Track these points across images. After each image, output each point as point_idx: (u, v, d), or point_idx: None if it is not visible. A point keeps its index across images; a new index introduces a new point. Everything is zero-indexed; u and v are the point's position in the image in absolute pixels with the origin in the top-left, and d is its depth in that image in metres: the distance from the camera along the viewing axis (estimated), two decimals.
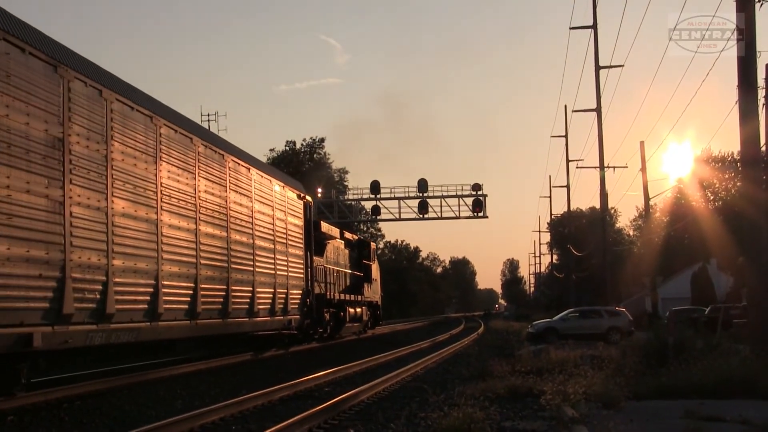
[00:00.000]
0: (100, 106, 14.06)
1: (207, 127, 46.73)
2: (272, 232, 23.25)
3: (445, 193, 64.25)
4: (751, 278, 19.25)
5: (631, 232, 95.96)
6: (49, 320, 12.19)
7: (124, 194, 14.63)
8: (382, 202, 64.53)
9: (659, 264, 51.94)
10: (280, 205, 24.26)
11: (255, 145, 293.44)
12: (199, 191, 18.11)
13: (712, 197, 62.33)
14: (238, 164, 21.00)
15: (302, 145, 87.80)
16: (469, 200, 63.98)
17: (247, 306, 20.68)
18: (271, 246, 23.05)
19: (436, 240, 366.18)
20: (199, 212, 17.96)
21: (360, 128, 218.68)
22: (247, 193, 21.38)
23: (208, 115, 65.01)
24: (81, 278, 13.03)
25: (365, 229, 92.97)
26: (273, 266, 23.05)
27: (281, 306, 23.51)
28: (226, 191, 19.82)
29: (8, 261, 11.22)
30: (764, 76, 23.76)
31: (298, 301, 25.49)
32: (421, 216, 64.54)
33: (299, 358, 24.55)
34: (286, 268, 24.24)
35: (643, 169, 39.94)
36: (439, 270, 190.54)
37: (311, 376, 16.74)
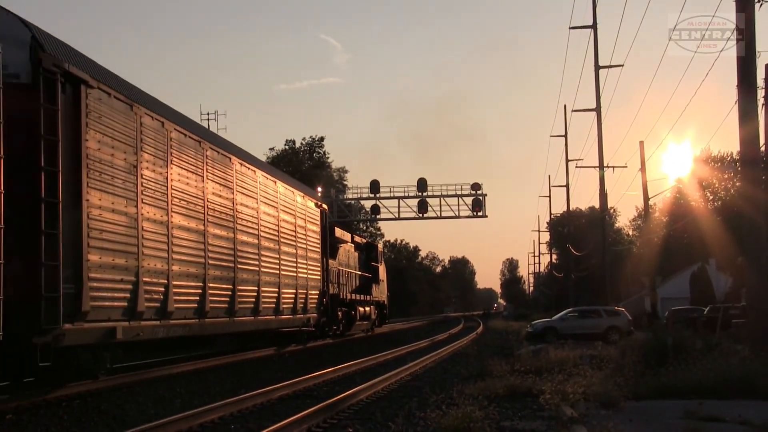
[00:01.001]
0: (163, 135, 16.63)
1: (207, 126, 46.73)
2: (294, 239, 25.76)
3: (444, 193, 64.30)
4: (750, 278, 19.24)
5: (631, 232, 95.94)
6: (126, 317, 14.71)
7: (179, 209, 17.09)
8: (381, 201, 64.56)
9: (658, 264, 51.91)
10: (301, 214, 26.86)
11: (255, 144, 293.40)
12: (236, 204, 20.67)
13: (711, 197, 62.32)
14: (267, 178, 23.66)
15: (302, 144, 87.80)
16: (469, 200, 64.03)
17: (273, 305, 23.07)
18: (294, 251, 25.49)
19: (436, 239, 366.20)
20: (236, 223, 20.53)
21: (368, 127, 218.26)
22: (273, 204, 23.96)
23: (208, 114, 64.92)
24: (149, 281, 15.47)
25: (364, 228, 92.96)
26: (295, 270, 25.47)
27: (302, 305, 25.98)
28: (257, 203, 22.41)
29: (99, 268, 13.75)
30: (764, 76, 23.78)
31: (316, 300, 28.12)
32: (420, 215, 64.58)
33: (310, 355, 24.84)
34: (306, 271, 26.75)
35: (643, 169, 39.91)
36: (438, 269, 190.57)
37: (311, 375, 16.74)
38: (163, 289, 16.10)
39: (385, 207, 64.84)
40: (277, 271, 23.53)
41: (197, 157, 18.37)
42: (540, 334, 34.70)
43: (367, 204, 67.60)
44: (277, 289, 23.32)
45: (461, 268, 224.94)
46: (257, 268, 21.75)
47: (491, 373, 16.76)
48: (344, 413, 12.17)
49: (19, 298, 11.61)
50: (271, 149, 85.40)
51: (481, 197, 63.95)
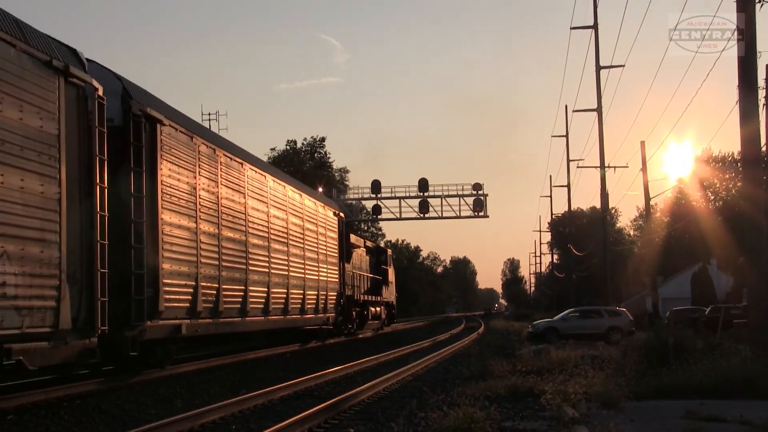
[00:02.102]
0: (214, 161, 19.42)
1: (208, 126, 46.69)
2: (316, 245, 28.66)
3: (445, 193, 64.29)
4: (751, 278, 19.24)
5: (632, 232, 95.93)
6: (188, 316, 17.45)
7: (227, 224, 19.84)
8: (382, 201, 64.54)
9: (660, 264, 51.92)
10: (322, 223, 29.90)
11: (256, 144, 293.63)
12: (270, 216, 23.49)
13: (712, 197, 62.30)
14: (293, 192, 26.44)
15: (303, 144, 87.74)
16: (470, 200, 64.00)
17: (299, 306, 25.89)
18: (316, 256, 28.43)
19: (437, 239, 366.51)
20: (270, 233, 23.22)
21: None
22: (299, 215, 26.71)
23: (209, 114, 64.97)
24: (205, 286, 18.27)
25: (366, 228, 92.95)
26: (317, 273, 28.37)
27: (322, 306, 28.98)
28: (285, 215, 25.14)
29: (170, 275, 16.49)
30: (764, 77, 23.76)
31: (334, 301, 31.07)
32: (421, 215, 64.55)
33: (312, 354, 24.81)
34: (326, 275, 29.73)
35: (644, 169, 39.95)
36: (439, 269, 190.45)
37: (312, 375, 16.75)
38: (215, 292, 18.85)
39: (387, 207, 64.81)
40: (303, 275, 26.40)
41: (240, 178, 21.17)
42: (541, 334, 34.68)
43: (369, 204, 67.61)
44: (302, 292, 26.17)
45: (462, 268, 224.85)
46: (286, 272, 24.58)
47: (492, 373, 16.76)
48: (346, 413, 12.18)
49: (115, 300, 13.92)
50: (272, 149, 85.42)
51: (482, 197, 63.94)
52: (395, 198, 64.58)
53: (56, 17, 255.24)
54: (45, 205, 11.75)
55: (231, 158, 20.62)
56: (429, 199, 64.06)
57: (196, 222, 17.83)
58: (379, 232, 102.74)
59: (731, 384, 13.47)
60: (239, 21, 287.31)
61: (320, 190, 59.33)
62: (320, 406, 11.72)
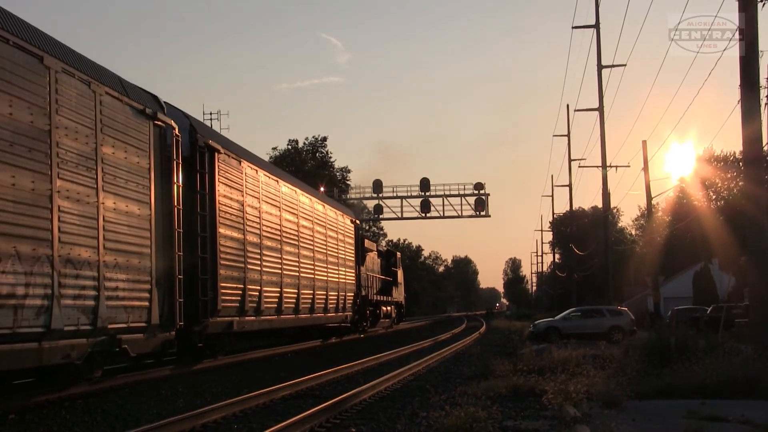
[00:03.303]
0: (256, 180, 22.27)
1: (210, 125, 46.65)
2: (336, 250, 31.70)
3: (447, 192, 64.31)
4: (753, 278, 19.23)
5: (634, 232, 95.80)
6: (238, 314, 20.27)
7: (266, 234, 22.80)
8: (384, 201, 64.58)
9: (661, 263, 51.82)
10: (342, 231, 33.03)
11: (257, 143, 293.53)
12: (300, 227, 26.44)
13: (714, 197, 62.20)
14: (317, 203, 29.53)
15: (304, 143, 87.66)
16: (472, 199, 64.05)
17: (323, 305, 28.91)
18: (336, 260, 31.56)
19: (439, 239, 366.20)
20: (299, 241, 26.32)
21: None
22: (323, 224, 29.79)
23: (210, 113, 65.10)
24: (251, 288, 21.09)
25: (367, 228, 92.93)
26: (337, 276, 31.53)
27: (342, 305, 32.04)
28: (312, 224, 28.12)
29: (225, 279, 19.31)
30: (766, 76, 23.77)
31: (352, 301, 34.24)
32: (423, 215, 64.58)
33: (314, 354, 24.81)
34: (345, 277, 32.84)
35: (646, 169, 39.87)
36: (441, 269, 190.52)
37: (314, 375, 16.74)
38: (257, 293, 21.63)
39: (388, 207, 64.87)
40: (326, 278, 29.52)
41: (276, 194, 24.27)
42: (543, 333, 34.67)
43: (370, 203, 67.61)
44: (325, 293, 29.16)
45: (464, 268, 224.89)
46: (312, 276, 27.53)
47: (494, 372, 16.75)
48: (347, 413, 12.18)
49: (186, 300, 16.82)
50: (274, 149, 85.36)
51: (483, 197, 63.99)
52: (397, 198, 64.61)
53: (60, 15, 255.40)
54: (141, 225, 14.94)
55: (269, 176, 23.68)
56: (430, 199, 64.08)
57: (243, 233, 20.77)
58: (381, 232, 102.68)
59: (733, 384, 13.47)
60: (241, 21, 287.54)
61: (322, 189, 59.45)
62: (321, 406, 11.73)
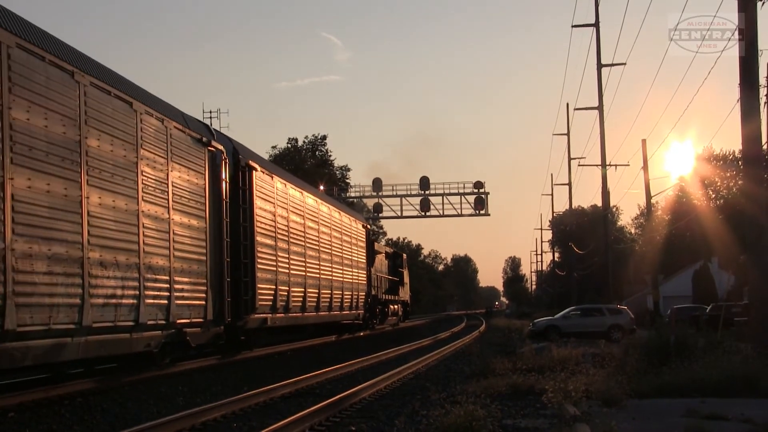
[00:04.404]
0: (285, 193, 24.76)
1: (209, 124, 46.58)
2: (351, 253, 34.35)
3: (447, 191, 64.32)
4: (752, 276, 19.23)
5: (633, 230, 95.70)
6: (271, 312, 22.64)
7: (293, 240, 25.23)
8: (384, 199, 64.60)
9: (661, 262, 51.81)
10: (355, 235, 35.71)
11: (257, 142, 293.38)
12: (320, 234, 29.03)
13: (713, 195, 62.11)
14: (335, 211, 32.26)
15: (304, 142, 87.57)
16: (471, 198, 64.06)
17: (339, 304, 31.37)
18: (351, 263, 34.13)
19: (438, 237, 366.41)
20: (320, 247, 28.74)
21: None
22: (339, 229, 32.34)
23: (210, 112, 65.05)
24: (281, 289, 23.56)
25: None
26: (351, 277, 33.94)
27: (355, 304, 34.58)
28: (330, 230, 30.79)
29: (262, 281, 21.71)
30: (766, 75, 23.73)
31: (363, 300, 36.81)
32: (423, 213, 64.61)
33: (316, 353, 24.84)
34: (357, 278, 35.36)
35: (645, 167, 39.88)
36: (440, 268, 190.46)
37: (314, 374, 16.75)
38: (286, 293, 24.04)
39: (388, 205, 64.91)
40: (341, 279, 31.98)
41: (301, 204, 26.77)
42: (542, 332, 34.67)
43: (370, 202, 67.60)
44: (341, 292, 31.71)
45: (464, 267, 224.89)
46: (330, 277, 30.03)
47: (494, 371, 16.75)
48: (347, 411, 12.18)
49: (232, 299, 19.50)
50: (274, 147, 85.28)
51: (483, 195, 64.02)
52: (396, 196, 64.63)
53: (61, 14, 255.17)
54: (200, 236, 17.83)
55: (294, 189, 26.32)
56: (430, 198, 64.10)
57: (275, 240, 23.26)
58: (380, 230, 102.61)
59: (732, 382, 13.47)
60: (240, 19, 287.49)
61: (321, 188, 59.44)
62: (321, 404, 11.73)
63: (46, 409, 12.35)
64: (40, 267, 11.79)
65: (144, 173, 15.12)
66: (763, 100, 21.32)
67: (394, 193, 64.89)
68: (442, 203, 64.35)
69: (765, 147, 21.69)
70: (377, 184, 64.48)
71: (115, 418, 11.69)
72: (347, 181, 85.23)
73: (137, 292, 14.59)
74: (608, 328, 34.15)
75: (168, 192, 16.22)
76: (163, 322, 15.77)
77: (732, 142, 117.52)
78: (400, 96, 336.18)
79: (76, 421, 11.47)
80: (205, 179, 18.31)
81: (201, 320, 17.66)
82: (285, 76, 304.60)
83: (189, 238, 17.13)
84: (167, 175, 16.27)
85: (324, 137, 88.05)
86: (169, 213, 16.17)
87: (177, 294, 16.31)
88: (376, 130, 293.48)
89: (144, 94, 16.00)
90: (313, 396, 14.13)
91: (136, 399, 13.57)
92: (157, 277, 15.49)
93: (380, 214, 67.38)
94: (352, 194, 70.51)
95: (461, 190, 64.14)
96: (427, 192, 64.09)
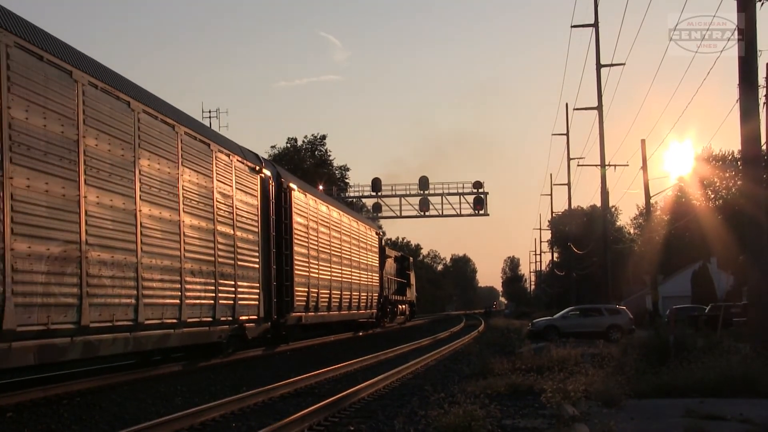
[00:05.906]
0: (316, 209, 28.77)
1: (208, 124, 46.65)
2: (367, 258, 38.25)
3: (446, 191, 64.28)
4: (751, 277, 19.22)
5: (632, 231, 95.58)
6: (305, 311, 26.24)
7: (323, 249, 29.37)
8: (383, 199, 64.57)
9: (660, 262, 51.84)
10: (369, 241, 39.60)
11: (256, 141, 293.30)
12: (342, 243, 32.79)
13: (712, 196, 62.11)
14: (354, 221, 36.15)
15: (303, 142, 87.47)
16: (470, 198, 64.02)
17: (356, 303, 35.22)
18: (366, 267, 37.99)
19: (437, 237, 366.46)
20: (342, 254, 32.55)
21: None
22: (357, 237, 36.16)
23: (209, 111, 64.94)
24: (313, 291, 27.36)
25: None
26: (366, 280, 37.75)
27: (369, 304, 38.43)
28: (350, 239, 34.54)
29: (298, 285, 25.10)
30: (765, 75, 23.73)
31: (376, 300, 40.55)
32: (422, 213, 64.58)
33: (314, 352, 24.86)
34: (371, 281, 39.21)
35: (644, 168, 39.92)
36: (439, 267, 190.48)
37: (314, 373, 16.75)
38: (316, 295, 27.77)
39: (387, 205, 64.85)
40: (359, 282, 35.80)
41: (328, 218, 30.61)
42: (541, 332, 34.69)
43: (369, 202, 67.56)
44: (358, 294, 35.43)
45: (463, 267, 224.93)
46: (350, 280, 33.85)
47: (493, 371, 16.75)
48: (346, 411, 12.17)
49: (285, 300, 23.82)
50: (273, 147, 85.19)
51: (482, 195, 63.96)
52: (395, 196, 64.60)
53: (61, 13, 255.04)
54: (254, 248, 21.44)
55: (322, 203, 30.24)
56: (429, 197, 64.06)
57: (308, 249, 27.02)
58: (380, 230, 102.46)
59: (731, 382, 13.46)
60: (239, 19, 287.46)
61: (320, 188, 59.42)
62: (320, 404, 11.72)
63: (45, 409, 12.34)
64: (152, 275, 15.30)
65: (217, 200, 18.88)
66: (762, 100, 21.35)
67: (393, 192, 64.86)
68: (441, 203, 64.34)
69: (764, 147, 21.72)
70: (376, 184, 64.41)
71: (113, 418, 11.67)
72: (346, 180, 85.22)
73: (213, 294, 18.25)
74: (607, 328, 34.16)
75: (233, 214, 19.94)
76: (230, 318, 19.34)
77: (731, 142, 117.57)
78: (400, 96, 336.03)
79: (75, 420, 11.45)
80: (257, 200, 21.93)
81: (255, 317, 21.25)
82: (284, 75, 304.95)
83: (248, 250, 20.85)
84: (233, 201, 19.99)
85: (323, 137, 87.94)
86: (233, 230, 19.88)
87: (239, 296, 19.86)
88: (376, 130, 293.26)
89: (219, 136, 20.78)
90: (313, 396, 14.12)
91: (134, 398, 13.56)
92: (227, 282, 19.14)
93: (379, 214, 67.31)
94: (351, 194, 70.43)
95: (460, 190, 64.11)
96: (426, 192, 64.05)
